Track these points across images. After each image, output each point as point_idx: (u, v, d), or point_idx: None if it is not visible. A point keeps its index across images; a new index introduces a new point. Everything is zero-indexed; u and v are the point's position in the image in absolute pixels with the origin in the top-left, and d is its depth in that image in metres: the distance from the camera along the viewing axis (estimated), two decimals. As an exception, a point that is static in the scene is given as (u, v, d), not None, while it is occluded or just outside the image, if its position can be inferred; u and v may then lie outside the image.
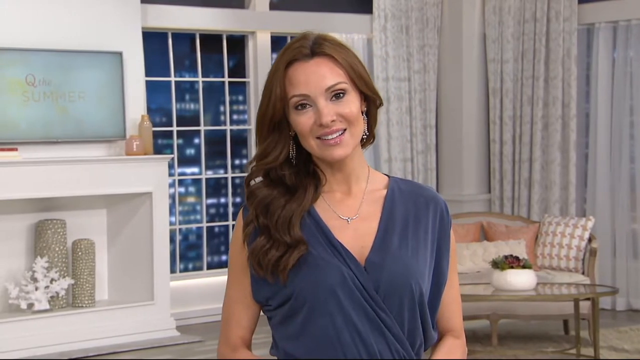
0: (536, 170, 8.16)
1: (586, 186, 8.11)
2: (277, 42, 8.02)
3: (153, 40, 7.60)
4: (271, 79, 1.89)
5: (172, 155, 7.27)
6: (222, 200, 8.29)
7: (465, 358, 2.02)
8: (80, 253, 6.86)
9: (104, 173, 6.83)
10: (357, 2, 8.36)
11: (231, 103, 8.13)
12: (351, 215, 1.92)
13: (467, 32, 8.51)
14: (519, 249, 7.11)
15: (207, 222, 8.07)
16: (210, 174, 8.10)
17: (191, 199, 8.40)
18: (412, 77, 8.41)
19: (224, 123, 8.08)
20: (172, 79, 7.73)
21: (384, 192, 1.95)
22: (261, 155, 1.91)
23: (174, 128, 7.76)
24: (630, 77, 7.76)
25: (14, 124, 6.61)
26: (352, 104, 1.88)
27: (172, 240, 7.54)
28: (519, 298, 6.08)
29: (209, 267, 8.00)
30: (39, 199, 6.76)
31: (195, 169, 8.13)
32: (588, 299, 6.24)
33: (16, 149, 6.56)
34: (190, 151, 8.22)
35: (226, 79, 8.01)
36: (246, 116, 8.26)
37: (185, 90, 8.20)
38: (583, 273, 7.01)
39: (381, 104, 1.95)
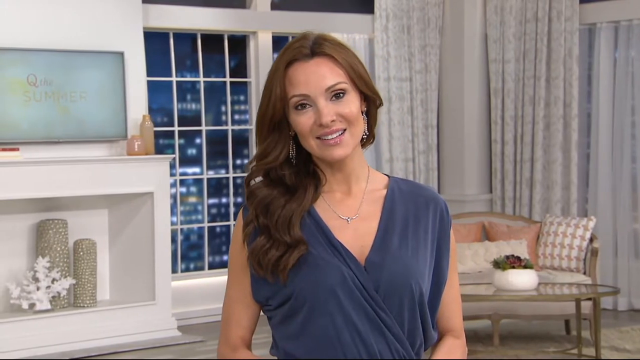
0: (538, 170, 8.16)
1: (588, 186, 8.11)
2: (279, 42, 8.02)
3: (154, 40, 7.60)
4: (271, 78, 1.89)
5: (173, 155, 7.27)
6: (224, 200, 8.29)
7: (466, 358, 2.02)
8: (81, 253, 6.86)
9: (106, 173, 6.83)
10: (359, 2, 8.36)
11: (232, 103, 8.13)
12: (351, 215, 1.92)
13: (469, 32, 8.50)
14: (521, 249, 7.11)
15: (209, 222, 8.07)
16: (211, 174, 8.11)
17: (192, 199, 8.40)
18: (413, 77, 8.41)
19: (226, 123, 8.08)
20: (174, 79, 7.73)
21: (384, 192, 1.95)
22: (261, 155, 1.91)
23: (176, 128, 7.77)
24: (632, 77, 7.76)
25: (16, 124, 6.61)
26: (352, 104, 1.88)
27: (173, 240, 7.54)
28: (520, 298, 6.07)
29: (211, 267, 8.01)
30: (41, 199, 6.76)
31: (196, 169, 8.13)
32: (589, 299, 6.24)
33: (18, 149, 6.56)
34: (191, 151, 8.23)
35: (227, 79, 8.01)
36: (247, 116, 8.27)
37: (187, 90, 8.20)
38: (584, 273, 7.01)
39: (381, 103, 1.95)
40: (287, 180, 1.91)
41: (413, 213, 1.93)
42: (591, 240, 7.06)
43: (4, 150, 6.49)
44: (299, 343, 1.87)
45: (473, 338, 6.64)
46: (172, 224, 7.41)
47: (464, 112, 8.55)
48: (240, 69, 8.16)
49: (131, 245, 7.12)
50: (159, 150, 7.54)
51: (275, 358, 1.93)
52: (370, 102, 1.93)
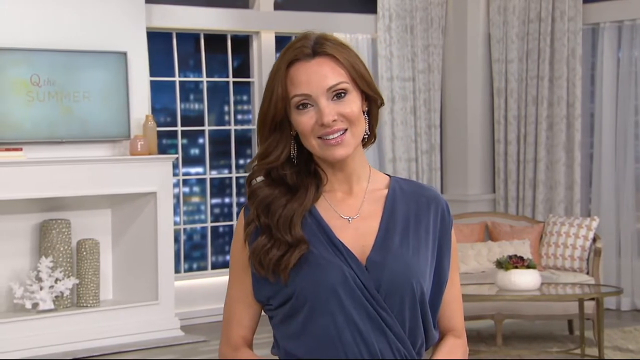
0: (541, 170, 8.16)
1: (591, 186, 8.10)
2: (282, 42, 8.02)
3: (157, 40, 7.60)
4: (273, 78, 1.90)
5: (176, 155, 7.27)
6: (227, 200, 8.29)
7: (467, 358, 2.02)
8: (84, 253, 6.87)
9: (109, 173, 6.83)
10: (362, 2, 8.36)
11: (235, 103, 8.14)
12: (352, 214, 1.92)
13: (472, 32, 8.50)
14: (524, 249, 7.11)
15: (212, 222, 8.07)
16: (214, 173, 8.11)
17: (195, 199, 8.41)
18: (416, 77, 8.41)
19: (229, 123, 8.09)
20: (177, 79, 7.73)
21: (385, 191, 1.96)
22: (262, 155, 1.91)
23: (179, 128, 7.77)
24: (635, 76, 7.75)
25: (19, 124, 6.62)
26: (354, 104, 1.88)
27: (176, 240, 7.55)
28: (523, 298, 6.07)
29: (214, 267, 8.01)
30: (44, 199, 6.77)
31: (199, 169, 8.13)
32: (593, 299, 6.24)
33: (21, 149, 6.57)
34: (194, 151, 8.23)
35: (230, 79, 8.02)
36: (250, 116, 8.27)
37: (190, 90, 8.20)
38: (588, 273, 7.00)
39: (382, 103, 1.95)
40: (288, 179, 1.91)
41: (414, 213, 1.94)
42: (594, 240, 7.05)
43: (7, 150, 6.50)
44: (300, 342, 1.87)
45: (476, 338, 6.64)
46: (175, 223, 7.42)
47: (467, 112, 8.55)
48: (243, 69, 8.16)
49: (134, 245, 7.13)
50: (162, 150, 7.55)
51: (277, 358, 1.93)
52: (372, 101, 1.93)
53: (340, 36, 7.25)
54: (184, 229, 8.03)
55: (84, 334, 6.69)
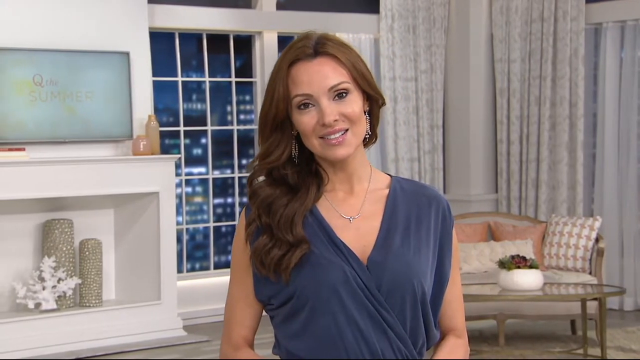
0: (543, 170, 8.15)
1: (593, 186, 8.10)
2: (284, 42, 8.02)
3: (160, 40, 7.61)
4: (274, 78, 1.90)
5: (179, 155, 7.28)
6: (229, 200, 8.30)
7: (468, 358, 2.01)
8: (87, 253, 6.87)
9: (111, 173, 6.84)
10: (364, 2, 8.36)
11: (238, 103, 8.14)
12: (353, 214, 1.92)
13: (474, 32, 8.50)
14: (526, 249, 7.10)
15: (214, 221, 8.08)
16: (217, 173, 8.11)
17: (198, 199, 8.41)
18: (419, 77, 8.41)
19: (231, 123, 8.09)
20: (179, 79, 7.74)
21: (386, 191, 1.96)
22: (264, 155, 1.91)
23: (181, 128, 7.78)
24: (638, 76, 7.74)
25: (22, 124, 6.63)
26: (355, 104, 1.88)
27: (179, 240, 7.55)
28: (526, 298, 6.07)
29: (216, 267, 8.01)
30: (47, 199, 6.77)
31: (202, 169, 8.14)
32: (595, 299, 6.23)
33: (24, 149, 6.57)
34: (197, 151, 8.24)
35: (233, 79, 8.02)
36: (253, 116, 8.27)
37: (192, 90, 8.20)
38: (590, 273, 7.00)
39: (384, 103, 1.95)
40: (289, 179, 1.91)
41: (415, 212, 1.94)
42: (597, 240, 7.05)
43: (10, 150, 6.50)
44: (301, 342, 1.87)
45: (478, 338, 6.64)
46: (178, 223, 7.42)
47: (469, 112, 8.55)
48: (245, 69, 8.16)
49: (137, 245, 7.13)
50: (165, 150, 7.55)
51: (278, 357, 1.93)
52: (373, 101, 1.93)
53: (342, 36, 7.25)
54: (187, 229, 8.04)
55: (86, 334, 6.70)
